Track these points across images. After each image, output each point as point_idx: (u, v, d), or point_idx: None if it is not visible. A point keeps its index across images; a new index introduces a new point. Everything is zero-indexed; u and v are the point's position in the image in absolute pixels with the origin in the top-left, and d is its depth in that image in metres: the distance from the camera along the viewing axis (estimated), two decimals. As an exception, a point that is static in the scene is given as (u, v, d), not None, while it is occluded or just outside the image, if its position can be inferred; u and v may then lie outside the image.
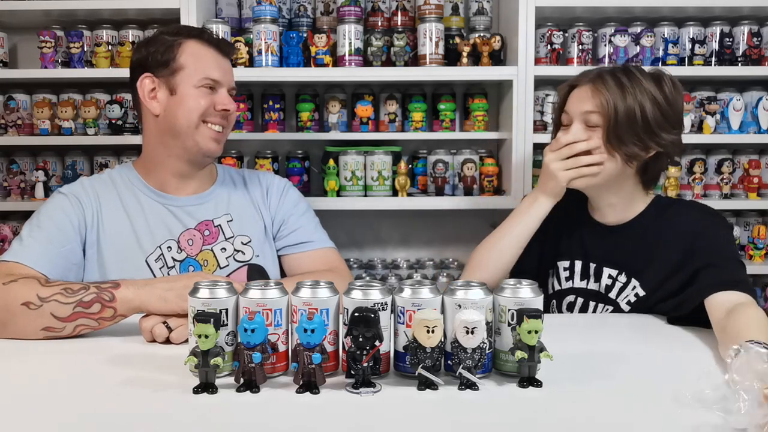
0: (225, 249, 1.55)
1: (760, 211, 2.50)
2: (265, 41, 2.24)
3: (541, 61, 2.35)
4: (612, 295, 1.50)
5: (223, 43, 1.57)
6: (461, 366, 0.97)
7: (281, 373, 1.03)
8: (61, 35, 2.38)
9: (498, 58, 2.33)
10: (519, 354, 0.98)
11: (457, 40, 2.34)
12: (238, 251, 1.56)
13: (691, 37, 2.37)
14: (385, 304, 1.01)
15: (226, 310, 1.01)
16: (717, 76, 2.40)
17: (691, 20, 2.39)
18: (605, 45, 2.38)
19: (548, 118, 2.34)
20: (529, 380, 1.00)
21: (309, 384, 0.97)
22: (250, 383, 0.97)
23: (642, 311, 1.46)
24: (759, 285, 2.48)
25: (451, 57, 2.33)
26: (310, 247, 1.62)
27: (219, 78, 1.50)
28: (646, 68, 1.49)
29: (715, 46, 2.38)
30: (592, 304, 1.52)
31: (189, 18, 2.20)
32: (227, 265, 1.54)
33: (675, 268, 1.43)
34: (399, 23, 2.43)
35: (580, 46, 2.36)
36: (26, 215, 1.52)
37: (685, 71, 2.32)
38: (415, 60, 2.33)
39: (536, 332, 0.96)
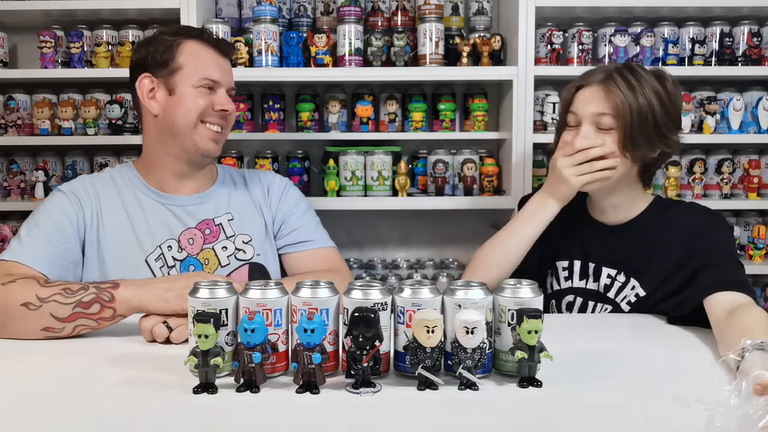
0: (226, 247, 1.55)
1: (760, 211, 2.50)
2: (265, 41, 2.24)
3: (541, 61, 2.35)
4: (611, 294, 1.50)
5: (222, 44, 1.57)
6: (461, 366, 0.97)
7: (281, 373, 1.03)
8: (61, 35, 2.38)
9: (498, 58, 2.33)
10: (519, 354, 0.98)
11: (457, 40, 2.34)
12: (239, 250, 1.56)
13: (691, 37, 2.37)
14: (385, 304, 1.01)
15: (226, 310, 1.01)
16: (717, 76, 2.40)
17: (691, 20, 2.39)
18: (605, 45, 2.38)
19: (548, 118, 2.34)
20: (529, 380, 1.00)
21: (309, 384, 0.97)
22: (250, 383, 0.97)
23: (642, 311, 1.46)
24: (759, 285, 2.48)
25: (451, 57, 2.33)
26: (310, 246, 1.62)
27: (218, 78, 1.50)
28: (646, 67, 1.49)
29: (715, 46, 2.38)
30: (591, 303, 1.52)
31: (189, 18, 2.20)
32: (228, 264, 1.54)
33: (675, 268, 1.43)
34: (399, 23, 2.43)
35: (580, 46, 2.36)
36: (26, 215, 1.51)
37: (685, 71, 2.32)
38: (415, 60, 2.33)
39: (536, 332, 0.96)
